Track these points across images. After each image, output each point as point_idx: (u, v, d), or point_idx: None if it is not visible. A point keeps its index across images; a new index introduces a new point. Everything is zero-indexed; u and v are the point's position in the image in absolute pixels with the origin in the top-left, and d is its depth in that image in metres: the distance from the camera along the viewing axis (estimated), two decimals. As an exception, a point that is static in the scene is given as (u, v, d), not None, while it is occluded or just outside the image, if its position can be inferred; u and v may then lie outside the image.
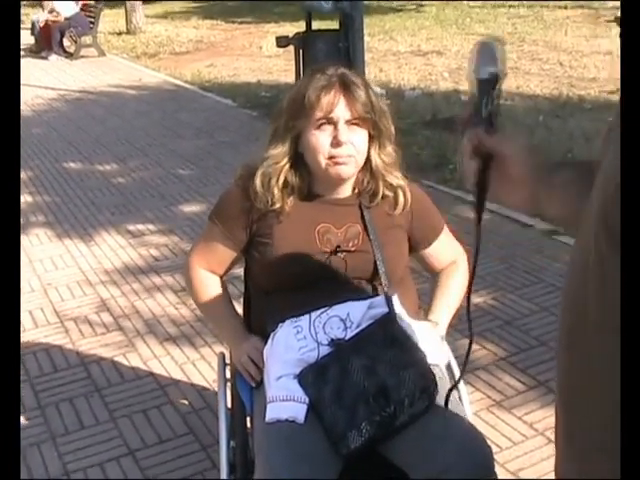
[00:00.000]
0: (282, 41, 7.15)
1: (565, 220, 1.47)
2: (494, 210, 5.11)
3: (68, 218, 5.65)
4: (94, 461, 2.94)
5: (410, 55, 12.24)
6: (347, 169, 2.03)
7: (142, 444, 3.03)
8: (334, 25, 7.69)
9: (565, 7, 17.07)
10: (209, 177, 6.54)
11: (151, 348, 3.75)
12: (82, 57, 13.76)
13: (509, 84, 9.71)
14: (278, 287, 2.06)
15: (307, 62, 7.08)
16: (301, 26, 10.95)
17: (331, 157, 1.99)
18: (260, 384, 2.03)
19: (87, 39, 14.10)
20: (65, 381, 3.48)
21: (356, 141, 2.01)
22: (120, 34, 16.60)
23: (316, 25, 7.46)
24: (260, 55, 13.23)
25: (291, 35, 7.14)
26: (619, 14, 14.97)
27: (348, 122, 1.99)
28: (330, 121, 1.99)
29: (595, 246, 0.91)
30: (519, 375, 3.38)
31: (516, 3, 18.15)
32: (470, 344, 1.51)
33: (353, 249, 2.06)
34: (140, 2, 16.83)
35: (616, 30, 13.65)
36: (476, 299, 3.96)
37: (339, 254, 2.05)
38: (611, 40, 12.03)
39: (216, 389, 3.34)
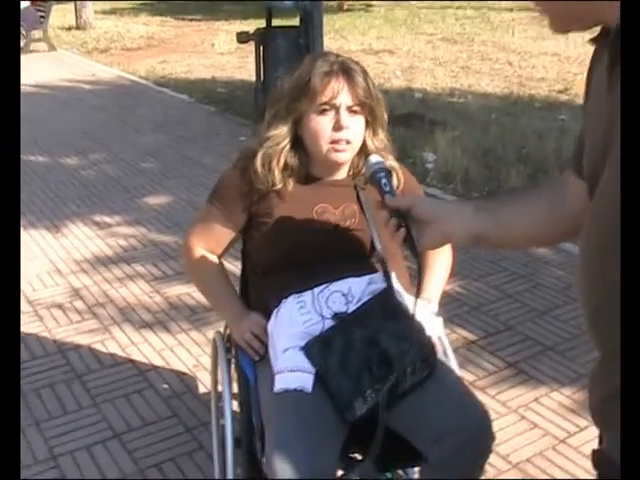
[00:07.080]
0: (243, 37, 7.21)
1: (530, 241, 1.75)
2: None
3: (33, 211, 5.63)
4: (80, 444, 2.98)
5: (362, 54, 12.33)
6: (345, 155, 2.14)
7: (127, 427, 3.08)
8: (292, 22, 7.80)
9: (511, 9, 17.42)
10: (171, 170, 6.57)
11: (128, 335, 3.79)
12: (32, 51, 13.56)
13: (462, 83, 9.92)
14: (279, 265, 2.14)
15: (267, 58, 7.16)
16: (252, 23, 10.99)
17: (332, 141, 2.09)
18: (263, 358, 2.11)
19: (37, 33, 13.93)
20: (44, 368, 3.50)
21: (354, 127, 2.11)
22: (70, 29, 16.39)
23: (274, 22, 7.55)
24: (212, 52, 13.22)
25: (251, 31, 7.20)
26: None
27: (349, 108, 2.09)
28: (333, 106, 2.08)
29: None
30: (489, 357, 3.52)
31: (465, 4, 18.45)
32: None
33: (350, 228, 2.16)
34: (89, -2, 16.65)
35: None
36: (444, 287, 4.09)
37: (337, 233, 2.14)
38: (557, 42, 12.33)
39: (196, 374, 3.43)
